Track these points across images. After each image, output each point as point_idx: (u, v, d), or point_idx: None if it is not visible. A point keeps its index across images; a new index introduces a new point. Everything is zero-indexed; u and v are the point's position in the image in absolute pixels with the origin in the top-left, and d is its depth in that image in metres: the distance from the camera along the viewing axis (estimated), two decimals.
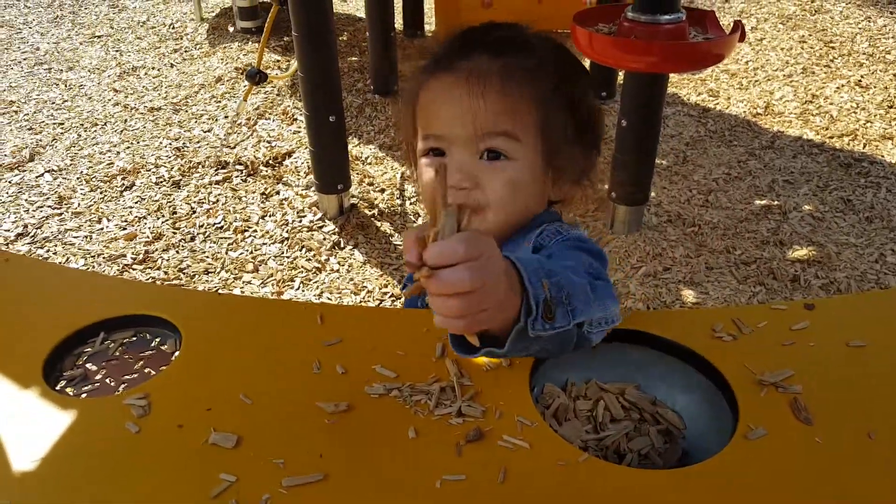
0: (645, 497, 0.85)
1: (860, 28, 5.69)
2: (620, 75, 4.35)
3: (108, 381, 1.11)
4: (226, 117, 4.45)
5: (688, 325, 1.13)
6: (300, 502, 0.85)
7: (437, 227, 0.72)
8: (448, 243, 0.70)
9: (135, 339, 1.19)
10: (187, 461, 0.92)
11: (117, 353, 1.16)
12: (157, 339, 1.18)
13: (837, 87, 4.66)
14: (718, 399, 1.02)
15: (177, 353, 1.13)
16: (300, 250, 3.16)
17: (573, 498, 0.86)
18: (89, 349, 1.16)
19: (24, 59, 5.59)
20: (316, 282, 2.95)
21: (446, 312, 0.73)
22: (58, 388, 1.08)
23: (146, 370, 1.12)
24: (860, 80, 4.75)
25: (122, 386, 1.09)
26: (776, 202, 3.42)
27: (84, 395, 1.07)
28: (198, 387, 1.05)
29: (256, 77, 4.15)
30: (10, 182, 3.77)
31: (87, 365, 1.13)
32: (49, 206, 3.55)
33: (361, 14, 6.00)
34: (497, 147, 1.02)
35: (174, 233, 3.31)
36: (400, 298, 2.82)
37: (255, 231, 3.31)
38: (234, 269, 3.05)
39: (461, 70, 1.03)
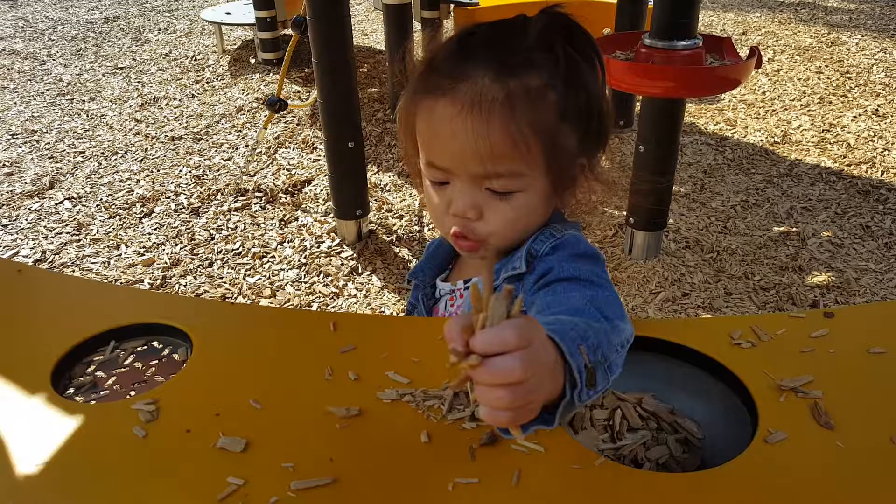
0: (663, 501, 0.83)
1: (876, 59, 5.68)
2: (638, 105, 4.36)
3: (117, 388, 1.10)
4: (246, 146, 4.48)
5: (705, 332, 1.11)
6: None
7: (484, 314, 0.67)
8: (499, 330, 0.65)
9: (145, 347, 1.18)
10: (195, 465, 0.91)
11: (127, 362, 1.15)
12: (168, 348, 1.18)
13: (854, 117, 4.64)
14: (737, 406, 1.00)
15: (187, 361, 1.12)
16: (318, 276, 3.16)
17: (589, 501, 0.83)
18: (100, 357, 1.16)
19: (47, 90, 5.68)
20: (333, 307, 2.94)
21: (494, 404, 0.67)
22: (66, 394, 1.07)
23: (156, 378, 1.11)
24: (877, 110, 4.72)
25: (132, 393, 1.08)
26: (795, 229, 3.39)
27: (93, 402, 1.06)
28: (207, 393, 1.04)
29: (276, 105, 4.20)
30: (29, 209, 3.81)
31: (97, 373, 1.12)
32: (68, 233, 3.57)
33: (382, 47, 6.07)
34: (503, 185, 0.99)
35: (192, 258, 3.32)
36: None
37: (274, 257, 3.32)
38: (252, 294, 3.04)
39: (461, 96, 0.96)
